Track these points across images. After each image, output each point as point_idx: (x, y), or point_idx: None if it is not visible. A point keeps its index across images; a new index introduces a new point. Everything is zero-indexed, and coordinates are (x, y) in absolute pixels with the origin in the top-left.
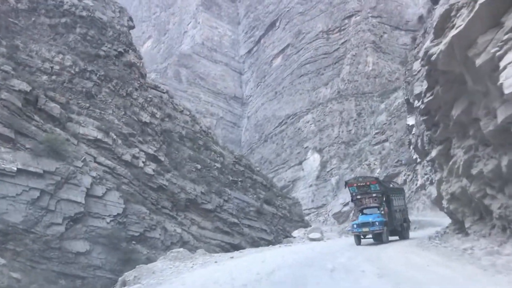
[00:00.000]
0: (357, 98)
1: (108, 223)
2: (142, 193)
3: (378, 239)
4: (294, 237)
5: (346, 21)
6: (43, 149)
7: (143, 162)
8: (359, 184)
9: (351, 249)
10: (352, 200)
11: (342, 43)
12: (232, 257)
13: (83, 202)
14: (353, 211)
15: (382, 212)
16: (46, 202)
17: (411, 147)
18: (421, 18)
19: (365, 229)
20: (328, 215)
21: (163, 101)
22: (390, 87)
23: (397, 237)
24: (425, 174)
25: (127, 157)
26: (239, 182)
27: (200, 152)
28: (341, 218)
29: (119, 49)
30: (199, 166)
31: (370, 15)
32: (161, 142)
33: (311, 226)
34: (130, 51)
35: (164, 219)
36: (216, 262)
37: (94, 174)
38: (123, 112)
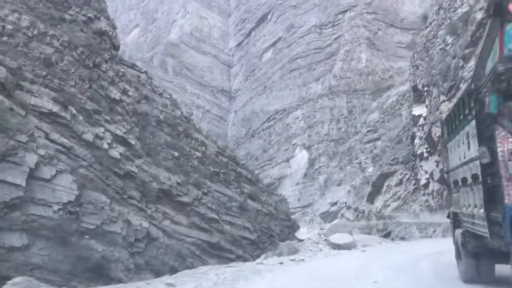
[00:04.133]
0: (348, 95)
1: (55, 212)
2: (104, 179)
3: None
4: (301, 240)
5: (340, 16)
6: None
7: (108, 143)
8: None
9: None
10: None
11: (335, 39)
12: None
13: (24, 185)
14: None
15: None
16: None
17: (417, 140)
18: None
19: None
20: (315, 215)
21: (141, 81)
22: (383, 85)
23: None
24: (427, 171)
25: (89, 137)
26: (222, 174)
27: (180, 139)
28: (328, 218)
29: (89, 15)
30: (176, 154)
31: (365, 11)
32: (133, 124)
33: (298, 226)
34: (102, 18)
35: (128, 210)
36: None
37: (42, 152)
38: (88, 85)
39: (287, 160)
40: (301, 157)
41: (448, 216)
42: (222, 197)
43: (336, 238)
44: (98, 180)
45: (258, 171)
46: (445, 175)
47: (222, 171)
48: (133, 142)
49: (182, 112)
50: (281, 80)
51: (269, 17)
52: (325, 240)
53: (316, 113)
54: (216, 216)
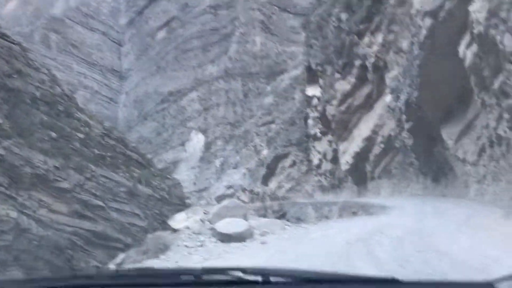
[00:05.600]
0: (243, 78)
1: None
2: None
3: None
4: (177, 230)
5: None
6: None
7: None
8: None
9: None
10: None
11: (231, 20)
12: None
13: None
14: None
15: None
16: None
17: (310, 121)
18: None
19: None
20: (211, 198)
21: (13, 53)
22: (277, 69)
23: None
24: (319, 152)
25: None
26: (108, 158)
27: (59, 119)
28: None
29: None
30: (54, 135)
31: None
32: (1, 100)
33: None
34: None
35: None
36: None
37: None
38: None
39: (183, 144)
40: (197, 141)
41: None
42: (109, 182)
43: (226, 225)
44: None
45: (152, 155)
46: None
47: (109, 154)
48: (0, 120)
49: (63, 90)
50: (175, 60)
51: None
52: (210, 229)
53: (212, 95)
54: (101, 203)
